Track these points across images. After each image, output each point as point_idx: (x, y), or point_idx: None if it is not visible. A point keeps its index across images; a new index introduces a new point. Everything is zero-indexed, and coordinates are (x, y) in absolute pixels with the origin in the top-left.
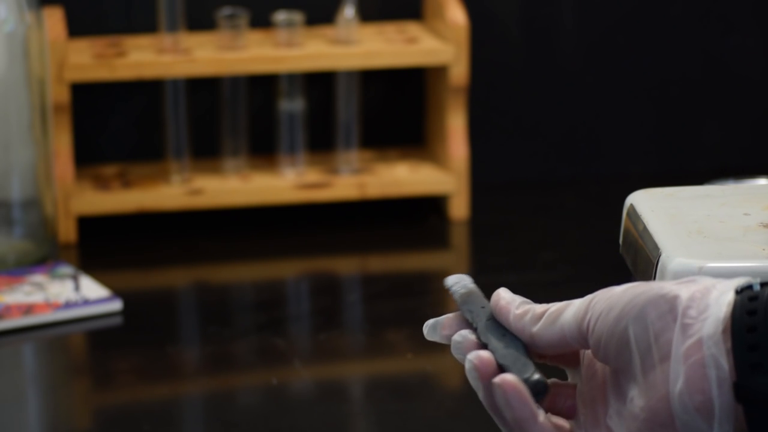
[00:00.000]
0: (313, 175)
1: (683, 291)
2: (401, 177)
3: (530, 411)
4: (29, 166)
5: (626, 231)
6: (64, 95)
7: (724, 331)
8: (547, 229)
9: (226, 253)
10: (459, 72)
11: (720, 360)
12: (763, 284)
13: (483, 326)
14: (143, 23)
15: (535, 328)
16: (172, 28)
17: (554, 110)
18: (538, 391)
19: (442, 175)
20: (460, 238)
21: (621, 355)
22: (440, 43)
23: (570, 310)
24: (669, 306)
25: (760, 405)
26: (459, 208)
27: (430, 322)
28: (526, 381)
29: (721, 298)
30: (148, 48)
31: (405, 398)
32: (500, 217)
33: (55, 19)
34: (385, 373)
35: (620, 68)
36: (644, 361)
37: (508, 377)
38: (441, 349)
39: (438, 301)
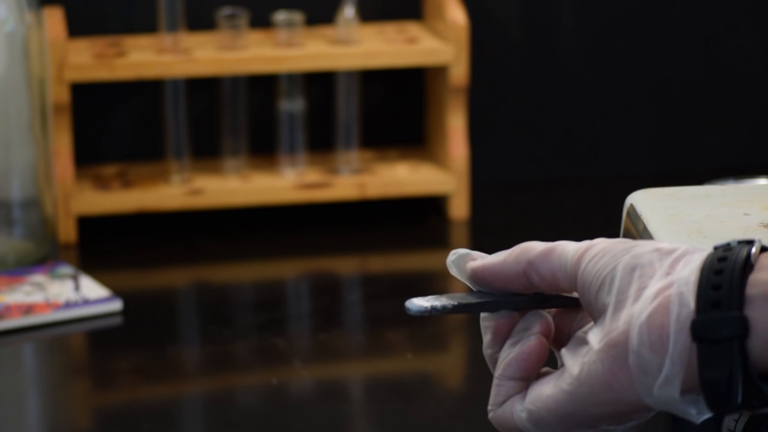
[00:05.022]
0: (313, 175)
1: (679, 248)
2: (401, 177)
3: None
4: (29, 166)
5: (626, 231)
6: (64, 95)
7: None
8: (547, 229)
9: (226, 253)
10: (459, 72)
11: (686, 298)
12: (741, 242)
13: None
14: (143, 23)
15: (534, 254)
16: (172, 28)
17: (554, 110)
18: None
19: (442, 175)
20: (460, 238)
21: (601, 292)
22: (440, 43)
23: (572, 244)
24: (659, 256)
25: (712, 343)
26: (459, 208)
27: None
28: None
29: (705, 255)
30: (148, 48)
31: (405, 398)
32: (500, 217)
33: (55, 19)
34: (385, 373)
35: (620, 68)
36: (618, 299)
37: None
38: (441, 349)
39: None
